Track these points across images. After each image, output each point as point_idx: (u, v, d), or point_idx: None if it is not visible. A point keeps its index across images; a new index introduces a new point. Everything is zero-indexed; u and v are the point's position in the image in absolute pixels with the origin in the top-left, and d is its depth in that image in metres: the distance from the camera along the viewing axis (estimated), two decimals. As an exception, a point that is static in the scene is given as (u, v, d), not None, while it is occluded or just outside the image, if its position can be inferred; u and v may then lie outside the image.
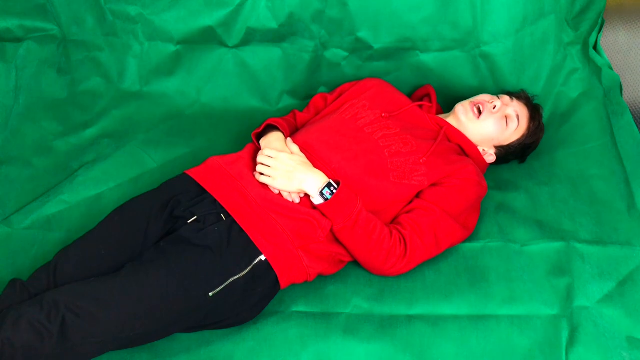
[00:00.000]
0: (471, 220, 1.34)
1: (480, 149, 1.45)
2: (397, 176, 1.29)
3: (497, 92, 1.56)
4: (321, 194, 1.19)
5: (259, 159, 1.24)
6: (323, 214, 1.20)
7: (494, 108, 1.43)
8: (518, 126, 1.45)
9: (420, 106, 1.49)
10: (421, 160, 1.31)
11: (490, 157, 1.48)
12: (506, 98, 1.47)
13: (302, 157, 1.26)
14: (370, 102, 1.44)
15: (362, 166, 1.27)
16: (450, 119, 1.46)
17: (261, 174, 1.23)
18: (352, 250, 1.23)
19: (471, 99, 1.46)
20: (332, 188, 1.19)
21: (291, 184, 1.20)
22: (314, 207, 1.21)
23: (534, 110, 1.49)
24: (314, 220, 1.18)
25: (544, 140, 1.62)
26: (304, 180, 1.20)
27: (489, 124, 1.42)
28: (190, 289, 1.09)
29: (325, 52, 1.71)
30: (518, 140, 1.47)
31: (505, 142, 1.46)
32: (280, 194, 1.22)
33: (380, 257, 1.22)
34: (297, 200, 1.21)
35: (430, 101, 1.54)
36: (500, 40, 1.60)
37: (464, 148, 1.42)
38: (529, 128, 1.47)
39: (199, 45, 1.72)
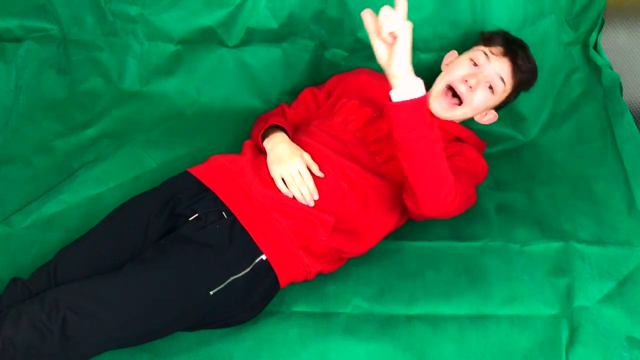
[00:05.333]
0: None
1: (477, 117, 1.42)
2: (394, 177, 1.29)
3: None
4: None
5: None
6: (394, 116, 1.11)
7: (470, 88, 1.34)
8: (505, 86, 1.37)
9: None
10: None
11: (490, 118, 1.44)
12: (481, 58, 1.36)
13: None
14: (361, 100, 1.42)
15: (360, 167, 1.27)
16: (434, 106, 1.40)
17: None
18: (419, 173, 1.15)
19: (447, 80, 1.37)
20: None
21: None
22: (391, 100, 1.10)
23: (516, 57, 1.37)
24: (315, 219, 1.18)
25: (544, 140, 1.63)
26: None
27: (473, 104, 1.36)
28: (191, 287, 1.09)
29: (325, 52, 1.71)
30: (510, 95, 1.42)
31: (499, 103, 1.42)
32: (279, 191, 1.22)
33: (446, 189, 1.16)
34: (312, 204, 1.20)
35: None
36: (500, 41, 1.60)
37: (458, 136, 1.41)
38: (516, 82, 1.39)
39: (199, 45, 1.72)
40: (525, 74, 1.40)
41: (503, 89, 1.38)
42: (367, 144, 1.33)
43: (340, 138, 1.33)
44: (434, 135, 1.12)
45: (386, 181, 1.28)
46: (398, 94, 1.10)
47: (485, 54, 1.37)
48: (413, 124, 1.10)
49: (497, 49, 1.38)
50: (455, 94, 1.37)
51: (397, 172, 1.28)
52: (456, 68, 1.39)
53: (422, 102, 1.10)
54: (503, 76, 1.36)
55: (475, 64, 1.37)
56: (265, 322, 1.18)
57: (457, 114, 1.39)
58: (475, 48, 1.42)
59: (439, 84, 1.39)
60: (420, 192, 1.17)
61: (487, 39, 1.42)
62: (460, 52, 1.47)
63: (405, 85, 1.09)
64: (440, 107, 1.38)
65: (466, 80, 1.35)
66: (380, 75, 1.53)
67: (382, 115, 1.37)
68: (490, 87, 1.37)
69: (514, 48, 1.39)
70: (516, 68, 1.37)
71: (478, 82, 1.35)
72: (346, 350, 1.14)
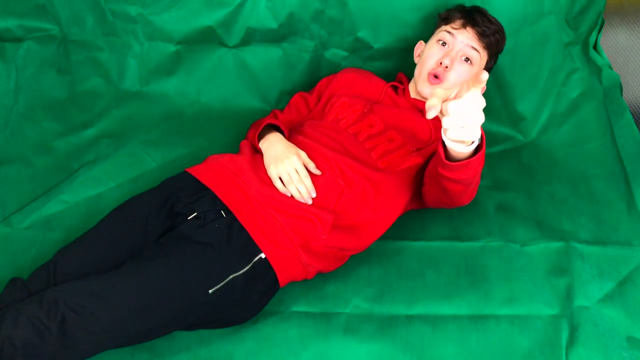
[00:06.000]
0: None
1: None
2: (393, 170, 1.29)
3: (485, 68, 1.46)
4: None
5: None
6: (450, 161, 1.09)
7: (445, 68, 1.36)
8: (480, 54, 1.39)
9: (395, 87, 1.48)
10: (411, 151, 1.32)
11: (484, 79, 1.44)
12: (446, 37, 1.38)
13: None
14: (350, 97, 1.43)
15: (356, 163, 1.27)
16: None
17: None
18: (466, 189, 1.20)
19: (428, 69, 1.38)
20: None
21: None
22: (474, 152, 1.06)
23: (477, 23, 1.38)
24: (314, 217, 1.18)
25: (544, 140, 1.62)
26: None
27: (455, 80, 1.36)
28: (190, 286, 1.09)
29: (325, 52, 1.72)
30: (489, 60, 1.43)
31: (482, 69, 1.41)
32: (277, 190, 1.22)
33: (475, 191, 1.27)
34: (310, 202, 1.20)
35: (402, 83, 1.50)
36: (500, 40, 1.60)
37: None
38: (487, 46, 1.40)
39: (199, 45, 1.72)
40: (492, 35, 1.40)
41: (479, 57, 1.39)
42: (361, 140, 1.33)
43: (334, 135, 1.33)
44: (482, 160, 1.10)
45: (384, 174, 1.28)
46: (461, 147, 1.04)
47: (449, 31, 1.40)
48: (475, 170, 1.11)
49: (457, 23, 1.40)
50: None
51: (394, 165, 1.30)
52: (428, 55, 1.41)
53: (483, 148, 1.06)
54: (473, 45, 1.38)
55: (443, 44, 1.40)
56: (265, 322, 1.18)
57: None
58: (438, 30, 1.44)
59: (422, 74, 1.41)
60: (457, 202, 1.27)
61: (445, 17, 1.44)
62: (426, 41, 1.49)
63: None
64: (430, 89, 1.38)
65: (441, 63, 1.37)
66: (366, 72, 1.54)
67: (372, 110, 1.38)
68: (467, 59, 1.38)
69: (472, 16, 1.40)
70: (481, 33, 1.39)
71: (452, 60, 1.37)
72: (346, 350, 1.13)
